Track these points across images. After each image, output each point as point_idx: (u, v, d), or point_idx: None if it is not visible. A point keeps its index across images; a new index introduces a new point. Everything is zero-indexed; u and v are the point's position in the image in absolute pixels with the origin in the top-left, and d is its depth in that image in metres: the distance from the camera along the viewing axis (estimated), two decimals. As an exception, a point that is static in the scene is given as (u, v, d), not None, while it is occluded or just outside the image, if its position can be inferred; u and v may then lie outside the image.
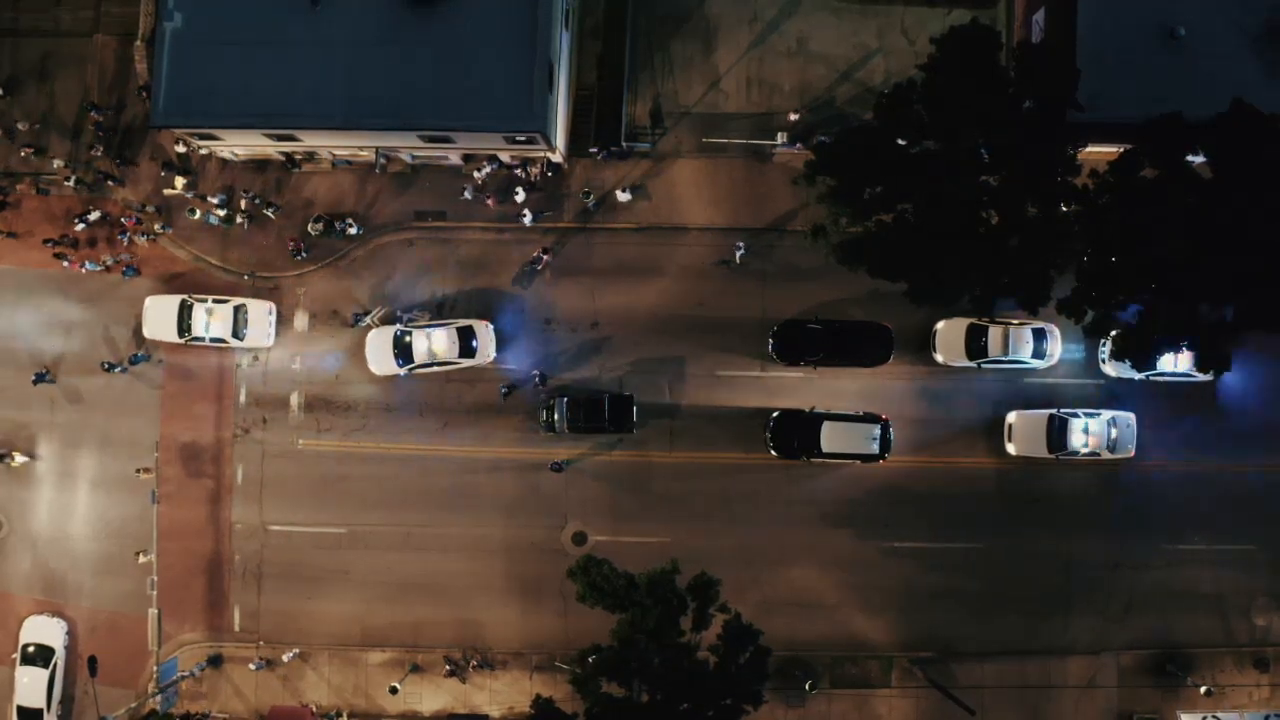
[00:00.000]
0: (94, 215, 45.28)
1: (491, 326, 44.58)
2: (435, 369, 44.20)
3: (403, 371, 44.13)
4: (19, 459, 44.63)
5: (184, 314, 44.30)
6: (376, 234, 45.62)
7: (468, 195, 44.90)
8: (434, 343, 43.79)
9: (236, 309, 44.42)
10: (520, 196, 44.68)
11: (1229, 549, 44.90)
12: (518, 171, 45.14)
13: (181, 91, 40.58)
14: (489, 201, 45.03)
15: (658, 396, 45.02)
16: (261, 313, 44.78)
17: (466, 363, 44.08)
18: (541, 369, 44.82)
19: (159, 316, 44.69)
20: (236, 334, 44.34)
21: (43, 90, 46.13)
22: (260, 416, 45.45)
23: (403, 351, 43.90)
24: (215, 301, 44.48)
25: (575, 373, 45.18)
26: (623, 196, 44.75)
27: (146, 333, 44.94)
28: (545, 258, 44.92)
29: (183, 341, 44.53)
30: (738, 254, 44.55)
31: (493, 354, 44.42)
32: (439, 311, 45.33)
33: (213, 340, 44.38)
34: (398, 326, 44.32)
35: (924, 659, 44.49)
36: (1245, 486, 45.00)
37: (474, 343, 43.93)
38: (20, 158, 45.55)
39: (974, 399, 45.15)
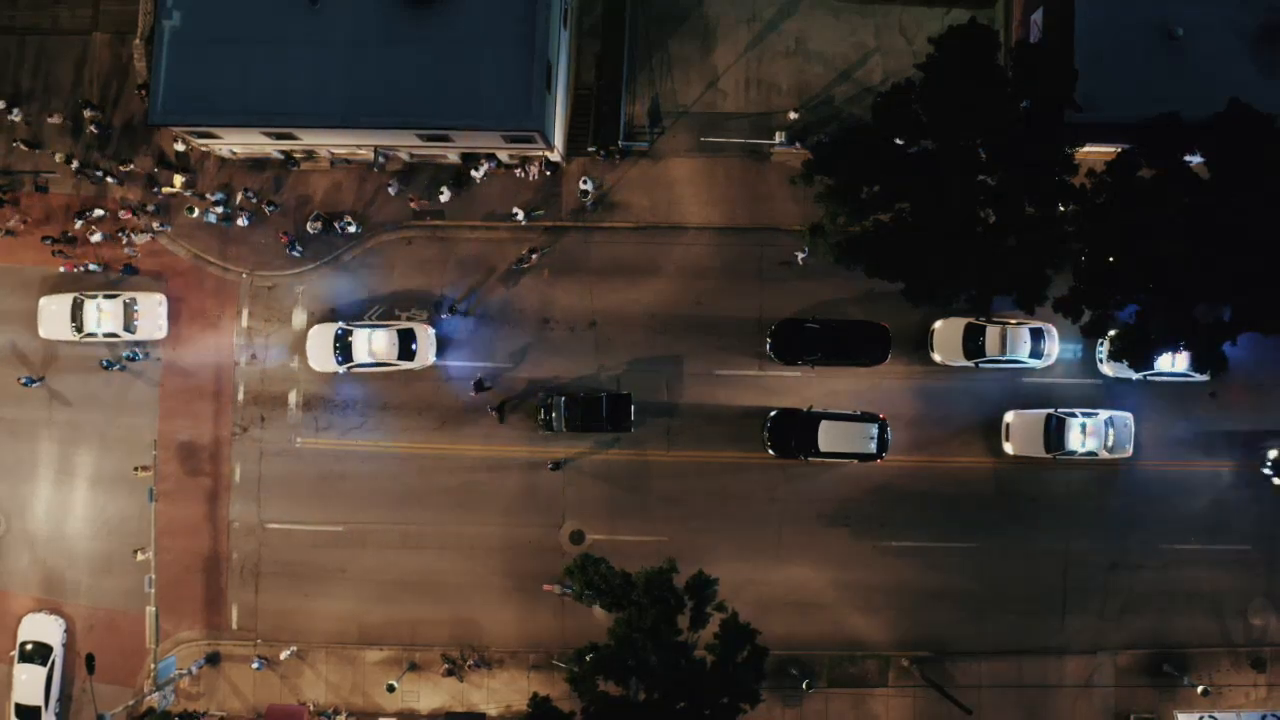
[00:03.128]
0: (93, 213, 45.28)
1: (433, 331, 44.62)
2: (373, 369, 44.19)
3: (341, 369, 44.16)
4: None
5: (77, 311, 44.25)
6: (375, 233, 45.64)
7: (391, 191, 44.92)
8: (374, 343, 43.78)
9: (126, 303, 44.31)
10: (445, 195, 44.68)
11: (1226, 549, 44.94)
12: (517, 171, 45.17)
13: (180, 90, 40.62)
14: (411, 202, 45.05)
15: (655, 395, 45.05)
16: (151, 305, 44.72)
17: (405, 365, 44.04)
18: (481, 375, 44.75)
19: (54, 316, 44.54)
20: (128, 328, 44.27)
21: (41, 88, 46.12)
22: (258, 415, 45.50)
23: (343, 349, 43.89)
24: (105, 297, 44.37)
25: (573, 371, 45.22)
26: (585, 186, 44.71)
27: (42, 333, 44.82)
28: (534, 256, 44.95)
29: (78, 339, 44.49)
30: (800, 257, 44.30)
31: (432, 358, 44.45)
32: (436, 310, 45.37)
33: (105, 335, 44.30)
34: (339, 324, 44.30)
35: (921, 658, 44.53)
36: (1242, 487, 45.02)
37: (414, 346, 43.88)
38: (18, 153, 45.59)
39: (971, 398, 45.18)
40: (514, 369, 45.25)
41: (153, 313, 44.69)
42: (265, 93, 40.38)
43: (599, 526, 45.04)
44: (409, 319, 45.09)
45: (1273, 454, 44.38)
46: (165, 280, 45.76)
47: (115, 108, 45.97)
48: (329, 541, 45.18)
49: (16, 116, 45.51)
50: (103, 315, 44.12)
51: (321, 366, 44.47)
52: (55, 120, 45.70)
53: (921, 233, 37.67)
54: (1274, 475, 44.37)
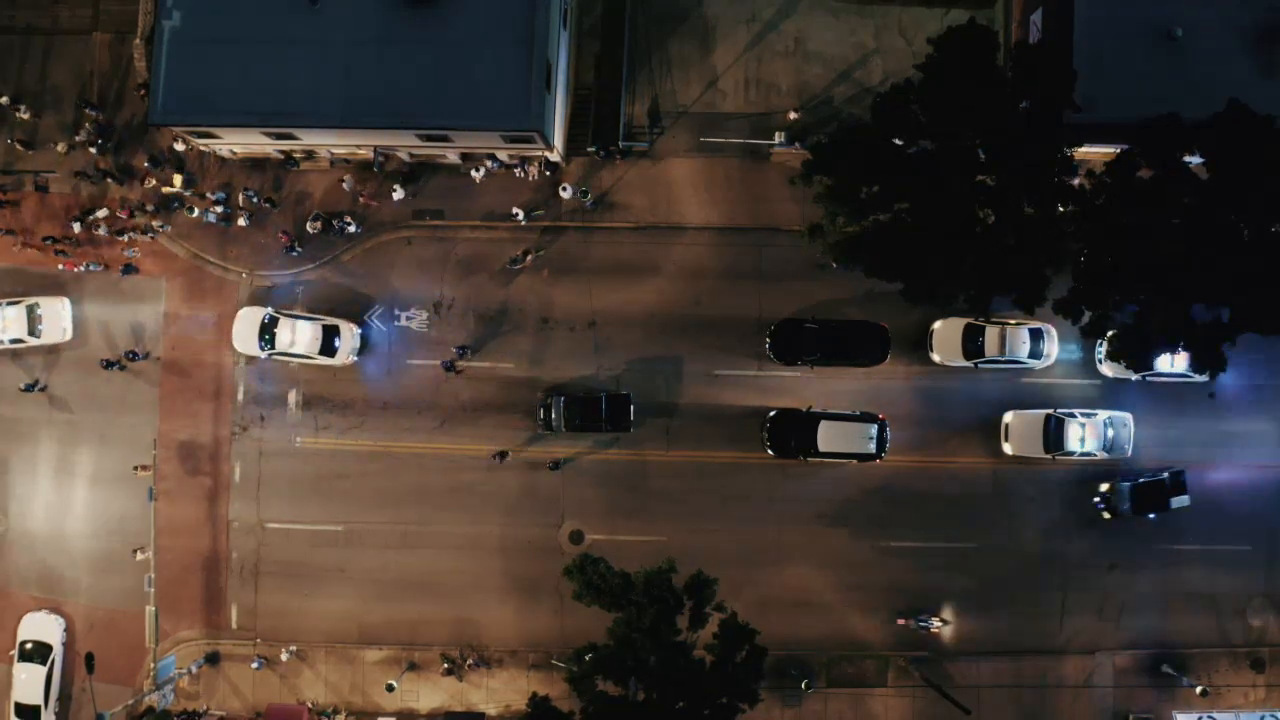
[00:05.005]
0: (93, 213, 45.29)
1: (359, 331, 44.83)
2: (294, 359, 44.39)
3: (263, 355, 44.35)
4: None
5: None
6: (374, 232, 45.68)
7: (345, 187, 45.05)
8: (297, 334, 44.01)
9: (29, 308, 44.45)
10: (398, 194, 44.74)
11: (1225, 549, 44.93)
12: (516, 171, 45.21)
13: (180, 90, 40.69)
14: (361, 199, 45.16)
15: (655, 395, 45.06)
16: (55, 309, 44.86)
17: (324, 360, 44.20)
18: (465, 345, 44.83)
19: None
20: (32, 332, 44.44)
21: (40, 88, 46.15)
22: (258, 414, 45.53)
23: (268, 335, 44.08)
24: (8, 304, 44.52)
25: (573, 371, 45.24)
26: (565, 194, 44.79)
27: None
28: (528, 258, 44.98)
29: None
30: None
31: (353, 357, 44.65)
32: (435, 310, 45.42)
33: (11, 341, 44.48)
34: (268, 310, 44.43)
35: (920, 658, 44.54)
36: (1241, 487, 45.04)
37: (336, 342, 44.07)
38: (18, 153, 45.63)
39: (970, 399, 45.19)
40: (513, 369, 45.28)
41: (56, 317, 44.81)
42: (265, 93, 40.42)
43: (598, 526, 45.07)
44: (409, 319, 45.21)
45: (1103, 487, 44.28)
46: (164, 280, 45.82)
47: (115, 108, 45.95)
48: (328, 541, 45.22)
49: (25, 114, 45.56)
50: (6, 322, 44.25)
51: (244, 348, 44.70)
52: (55, 120, 45.68)
53: (921, 233, 37.67)
54: (1104, 510, 44.28)
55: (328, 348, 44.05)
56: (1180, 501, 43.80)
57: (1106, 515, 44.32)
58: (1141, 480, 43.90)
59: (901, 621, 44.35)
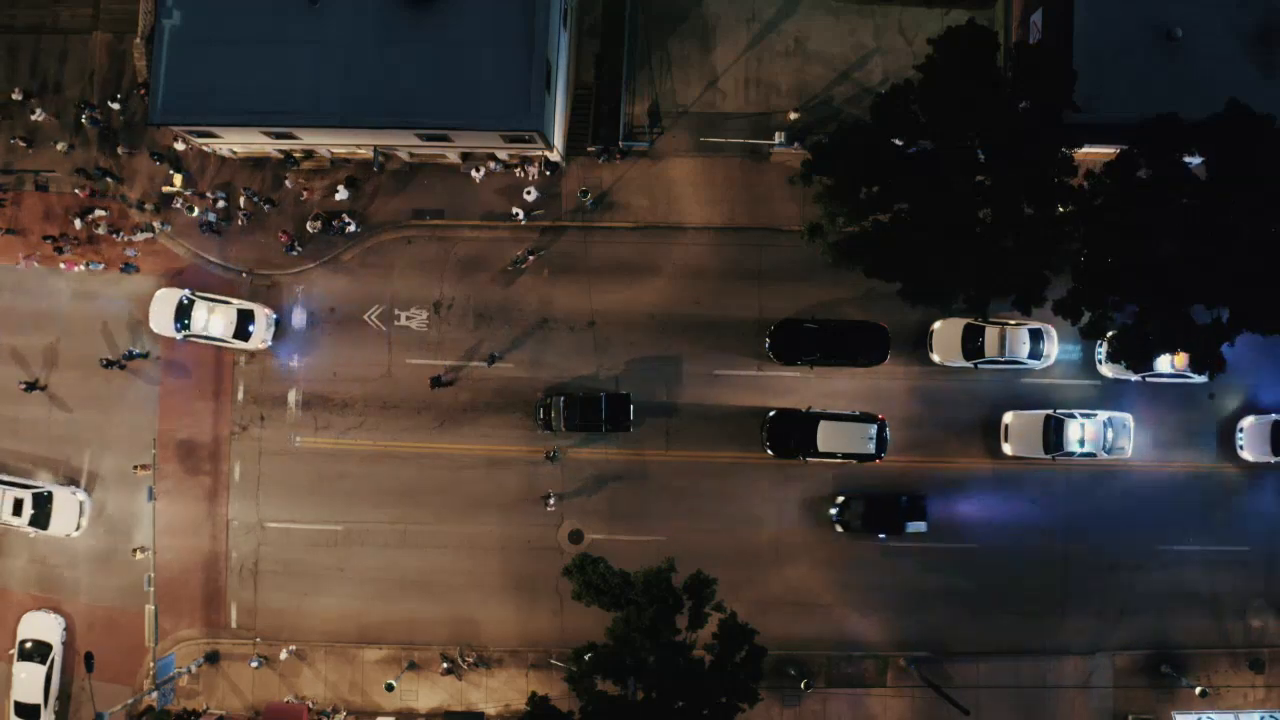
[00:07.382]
0: (93, 213, 45.33)
1: (275, 317, 45.07)
2: (208, 341, 44.55)
3: (179, 336, 44.53)
4: None
5: None
6: (375, 232, 45.71)
7: (288, 184, 45.31)
8: (212, 317, 44.23)
9: None
10: (341, 194, 44.96)
11: (1225, 550, 44.95)
12: (516, 171, 45.22)
13: (180, 89, 40.71)
14: (304, 194, 45.37)
15: (654, 395, 45.07)
16: None
17: (238, 344, 44.45)
18: (441, 372, 44.91)
19: None
20: None
21: (41, 86, 46.15)
22: (258, 414, 45.54)
23: (183, 316, 44.23)
24: None
25: (572, 371, 45.25)
26: (529, 196, 44.93)
27: None
28: (530, 258, 45.00)
29: None
30: None
31: (267, 342, 44.92)
32: (435, 309, 45.44)
33: None
34: (185, 292, 44.56)
35: (919, 658, 44.53)
36: (1241, 488, 45.07)
37: (250, 327, 44.27)
38: (19, 152, 45.67)
39: (970, 399, 45.19)
40: (513, 369, 45.28)
41: None
42: (265, 92, 40.43)
43: (598, 526, 45.06)
44: (409, 319, 45.22)
45: (840, 499, 44.15)
46: (164, 279, 45.84)
47: (115, 107, 45.95)
48: (328, 540, 45.24)
49: (40, 116, 45.56)
50: None
51: (160, 329, 44.81)
52: (54, 119, 45.68)
53: (921, 233, 37.68)
54: (838, 523, 44.07)
55: (242, 332, 44.23)
56: (916, 527, 43.78)
57: (839, 529, 44.14)
58: (875, 497, 43.84)
59: (1257, 624, 44.43)
